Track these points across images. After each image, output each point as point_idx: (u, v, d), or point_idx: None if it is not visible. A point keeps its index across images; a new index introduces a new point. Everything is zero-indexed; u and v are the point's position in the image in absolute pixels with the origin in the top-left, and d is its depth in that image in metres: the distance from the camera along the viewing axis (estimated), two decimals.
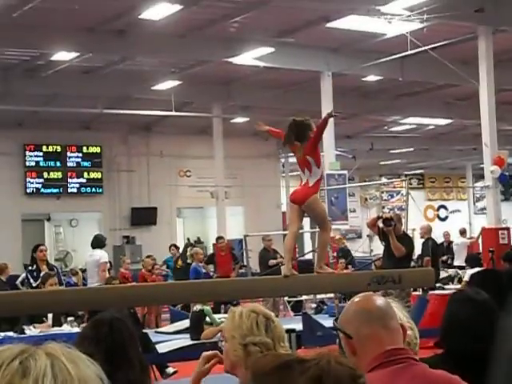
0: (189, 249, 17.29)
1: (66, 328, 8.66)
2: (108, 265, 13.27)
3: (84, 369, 1.24)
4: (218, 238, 17.06)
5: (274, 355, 1.87)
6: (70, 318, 8.73)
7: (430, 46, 15.16)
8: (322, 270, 6.46)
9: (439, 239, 18.89)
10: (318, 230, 15.43)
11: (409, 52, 15.27)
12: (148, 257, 17.90)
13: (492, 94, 14.90)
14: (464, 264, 15.73)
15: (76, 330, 8.57)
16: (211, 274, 16.01)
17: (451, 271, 16.41)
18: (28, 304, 5.63)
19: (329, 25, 14.99)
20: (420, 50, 15.16)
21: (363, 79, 19.68)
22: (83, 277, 14.31)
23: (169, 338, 11.02)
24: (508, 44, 16.76)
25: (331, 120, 17.65)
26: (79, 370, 1.22)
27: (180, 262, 17.06)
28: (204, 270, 15.38)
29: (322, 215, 6.64)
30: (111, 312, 3.57)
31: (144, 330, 10.43)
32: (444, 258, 18.07)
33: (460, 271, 15.82)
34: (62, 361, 1.21)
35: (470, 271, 12.41)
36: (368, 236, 20.23)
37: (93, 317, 8.68)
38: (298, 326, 10.12)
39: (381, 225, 11.08)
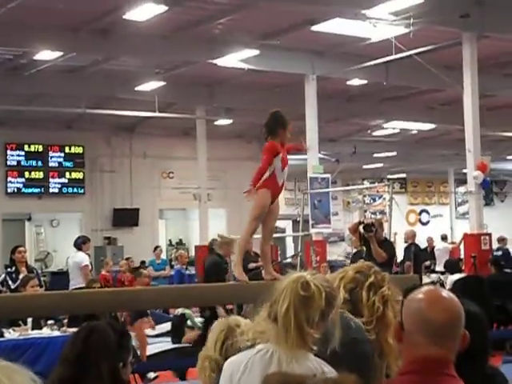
0: (174, 251, 17.14)
1: (45, 331, 8.55)
2: (90, 267, 13.19)
3: (20, 380, 1.23)
4: None
5: (280, 374, 1.87)
6: (49, 322, 8.62)
7: (414, 51, 15.17)
8: (270, 275, 6.33)
9: (422, 244, 18.91)
10: (300, 233, 15.39)
11: (393, 56, 15.28)
12: (127, 259, 17.80)
13: (476, 100, 14.91)
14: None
15: (56, 333, 8.47)
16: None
17: (434, 276, 16.42)
18: (10, 308, 5.54)
19: (314, 28, 14.95)
20: (405, 54, 15.17)
21: (347, 83, 19.67)
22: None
23: (150, 341, 10.94)
24: (492, 50, 16.81)
25: (315, 123, 17.72)
26: (15, 382, 1.22)
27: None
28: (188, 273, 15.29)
29: (255, 210, 6.47)
30: (103, 321, 3.60)
31: None
32: (427, 263, 18.08)
33: (442, 276, 15.83)
34: None
35: (452, 277, 12.42)
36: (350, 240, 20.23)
37: (73, 321, 8.58)
38: None
39: (362, 230, 11.03)
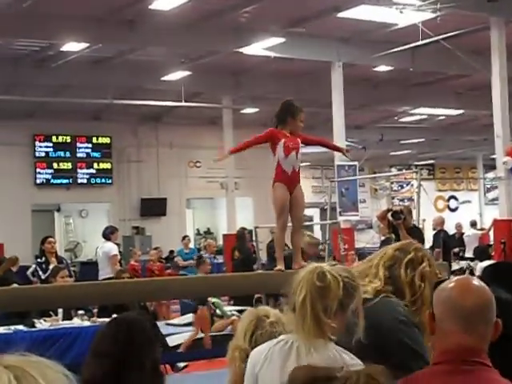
0: (202, 240, 17.13)
1: (76, 321, 8.61)
2: (118, 257, 13.25)
3: (53, 376, 1.22)
4: None
5: (307, 368, 1.88)
6: (80, 312, 8.68)
7: (441, 36, 15.04)
8: (299, 265, 6.17)
9: (451, 231, 18.79)
10: (327, 221, 15.35)
11: (420, 42, 15.16)
12: (156, 248, 17.86)
13: (504, 85, 14.78)
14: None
15: (86, 323, 8.53)
16: None
17: (463, 263, 16.33)
18: (41, 299, 5.59)
19: (340, 15, 14.88)
20: (432, 40, 15.05)
21: (374, 69, 19.56)
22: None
23: (179, 330, 10.97)
24: None
25: (341, 110, 17.64)
26: (48, 378, 1.20)
27: (237, 253, 16.14)
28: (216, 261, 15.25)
29: (275, 207, 6.45)
30: (133, 313, 3.56)
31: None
32: (456, 250, 17.97)
33: (472, 263, 15.74)
34: (28, 372, 1.19)
35: (482, 264, 12.31)
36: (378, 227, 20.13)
37: (103, 311, 8.63)
38: None
39: (390, 218, 10.97)
